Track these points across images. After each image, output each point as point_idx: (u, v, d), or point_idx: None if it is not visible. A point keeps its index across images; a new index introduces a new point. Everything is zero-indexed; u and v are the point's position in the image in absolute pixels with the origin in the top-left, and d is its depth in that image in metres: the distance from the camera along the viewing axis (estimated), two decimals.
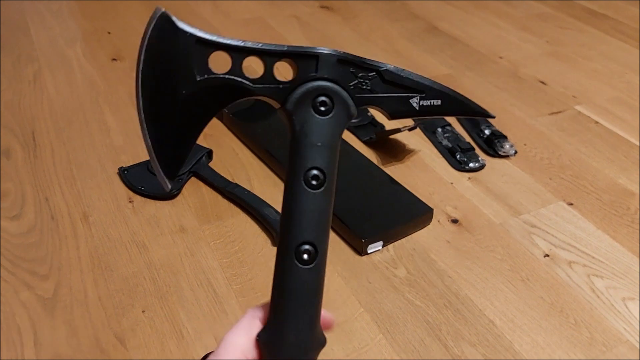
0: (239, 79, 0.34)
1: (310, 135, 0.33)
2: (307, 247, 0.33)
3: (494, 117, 0.38)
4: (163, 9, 0.34)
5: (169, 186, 0.33)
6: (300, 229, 0.32)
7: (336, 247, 0.82)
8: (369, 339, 0.69)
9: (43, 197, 0.87)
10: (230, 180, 0.92)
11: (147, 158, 0.94)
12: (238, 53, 0.34)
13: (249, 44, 0.35)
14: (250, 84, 0.34)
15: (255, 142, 0.99)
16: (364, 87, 0.35)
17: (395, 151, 1.03)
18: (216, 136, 1.03)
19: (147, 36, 0.33)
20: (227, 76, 0.33)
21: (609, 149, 1.06)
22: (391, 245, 0.83)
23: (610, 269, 0.80)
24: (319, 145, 0.33)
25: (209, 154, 0.97)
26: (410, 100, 0.36)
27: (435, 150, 1.03)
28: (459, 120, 1.12)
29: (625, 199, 0.94)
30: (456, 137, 1.06)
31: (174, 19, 0.33)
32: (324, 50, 0.34)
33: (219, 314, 0.71)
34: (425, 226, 0.87)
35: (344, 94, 0.34)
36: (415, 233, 0.85)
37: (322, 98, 0.34)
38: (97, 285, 0.74)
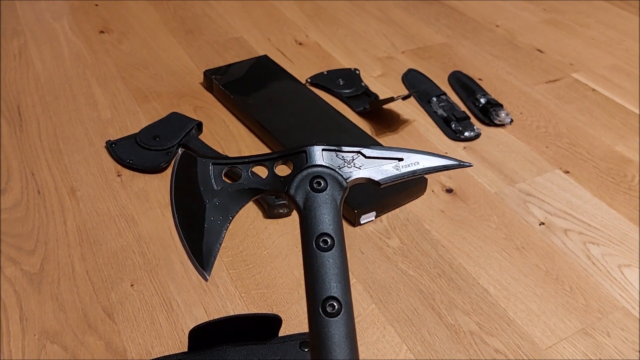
0: (247, 183, 0.42)
1: (313, 208, 0.40)
2: (331, 302, 0.37)
3: (471, 166, 0.45)
4: (183, 150, 0.46)
5: (207, 277, 0.40)
6: (322, 287, 0.38)
7: None
8: (361, 309, 0.68)
9: (29, 172, 0.86)
10: (221, 152, 0.90)
11: (135, 131, 0.92)
12: (245, 165, 0.43)
13: (251, 157, 0.43)
14: (259, 185, 0.42)
15: (246, 113, 0.97)
16: (350, 165, 0.42)
17: (389, 121, 1.01)
18: (206, 108, 1.01)
19: (175, 170, 0.43)
20: (239, 183, 0.42)
21: (606, 116, 1.04)
22: (384, 215, 0.81)
23: (606, 236, 0.79)
24: (322, 215, 0.40)
25: (199, 126, 0.95)
26: (393, 167, 0.43)
27: (430, 120, 1.02)
28: (454, 89, 1.10)
29: (622, 166, 0.92)
30: (451, 106, 1.04)
31: (192, 154, 0.44)
32: (311, 146, 0.42)
33: (209, 287, 0.70)
34: (419, 196, 0.85)
35: (333, 172, 0.41)
36: (409, 203, 0.84)
37: (317, 179, 0.41)
38: (85, 260, 0.73)
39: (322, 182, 0.41)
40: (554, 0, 1.48)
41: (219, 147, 0.92)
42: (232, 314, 0.67)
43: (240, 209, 0.43)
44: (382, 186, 0.43)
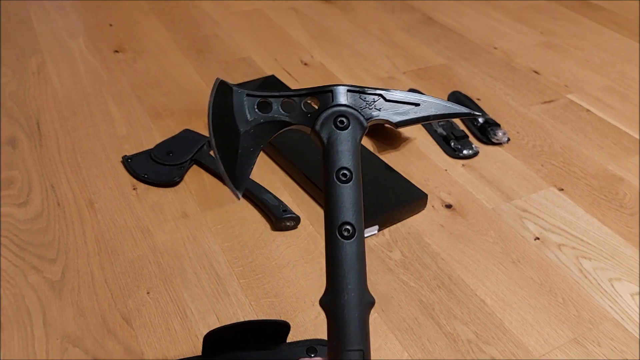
0: (278, 116, 0.45)
1: (336, 145, 0.43)
2: (347, 226, 0.41)
3: (480, 115, 0.47)
4: (220, 79, 0.46)
5: (239, 196, 0.44)
6: (339, 213, 0.42)
7: None
8: None
9: (49, 185, 0.90)
10: None
11: (149, 147, 0.97)
12: (275, 99, 0.45)
13: (282, 92, 0.46)
14: (288, 118, 0.45)
15: None
16: (372, 107, 0.45)
17: (391, 139, 1.06)
18: None
19: (213, 96, 0.45)
20: (270, 115, 0.45)
21: (599, 136, 1.09)
22: (387, 229, 0.86)
23: (598, 251, 0.83)
24: (342, 150, 0.43)
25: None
26: (410, 112, 0.46)
27: (430, 138, 1.06)
28: None
29: (614, 184, 0.97)
30: (450, 125, 1.08)
31: (229, 83, 0.46)
32: (338, 85, 0.45)
33: (221, 295, 0.74)
34: (420, 211, 0.89)
35: (356, 113, 0.44)
36: (410, 218, 0.88)
37: (340, 118, 0.44)
38: (104, 269, 0.77)
39: (345, 121, 0.44)
40: (549, 23, 1.54)
41: None
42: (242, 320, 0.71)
43: (270, 138, 0.46)
44: (398, 127, 0.47)
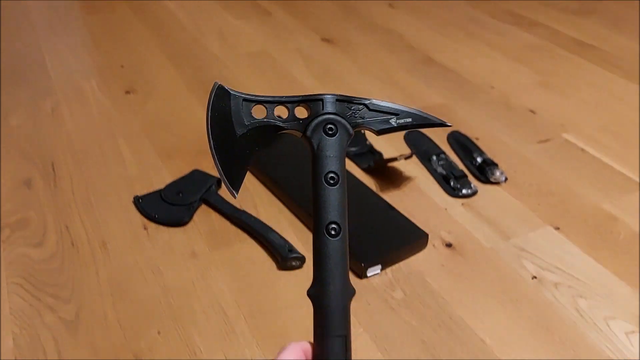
0: (273, 121, 0.48)
1: (325, 150, 0.47)
2: (333, 225, 0.45)
3: (450, 126, 0.52)
4: (219, 82, 0.48)
5: (236, 195, 0.47)
6: (327, 214, 0.46)
7: None
8: (368, 357, 0.75)
9: (63, 225, 0.94)
10: (238, 207, 0.99)
11: (159, 186, 1.00)
12: (270, 104, 0.48)
13: (277, 98, 0.49)
14: (281, 123, 0.48)
15: (260, 169, 1.06)
16: (357, 115, 0.49)
17: (392, 178, 1.09)
18: None
19: (211, 100, 0.48)
20: (265, 119, 0.48)
21: (594, 175, 1.12)
22: (389, 268, 0.89)
23: (593, 290, 0.86)
24: (331, 156, 0.47)
25: (218, 182, 1.03)
26: (390, 121, 0.50)
27: (431, 177, 1.10)
28: (452, 148, 1.19)
29: (608, 223, 1.00)
30: (450, 164, 1.12)
31: (227, 87, 0.48)
32: (327, 94, 0.48)
33: (229, 334, 0.77)
34: (421, 250, 0.92)
35: (343, 121, 0.48)
36: (412, 257, 0.91)
37: (329, 125, 0.47)
38: (116, 308, 0.80)
39: (333, 128, 0.47)
40: (546, 63, 1.59)
41: (236, 201, 1.00)
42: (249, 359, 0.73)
43: (265, 141, 0.49)
44: (379, 135, 0.51)
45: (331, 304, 0.44)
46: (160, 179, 1.05)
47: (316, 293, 0.45)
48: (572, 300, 0.84)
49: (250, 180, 1.07)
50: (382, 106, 0.50)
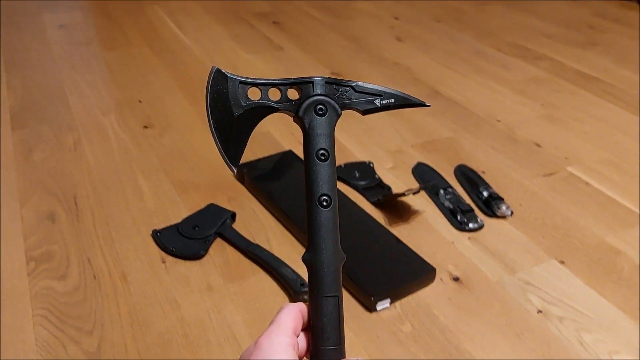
0: (267, 102, 0.52)
1: (315, 129, 0.51)
2: (324, 197, 0.49)
3: (429, 106, 0.56)
4: (217, 66, 0.52)
5: (235, 171, 0.51)
6: (318, 187, 0.50)
7: (348, 304, 0.91)
8: None
9: (86, 258, 0.98)
10: (252, 240, 1.02)
11: (176, 220, 1.05)
12: (264, 87, 0.52)
13: (270, 80, 0.53)
14: (274, 104, 0.52)
15: (273, 204, 1.10)
16: (344, 96, 0.52)
17: (401, 212, 1.13)
18: (239, 199, 1.14)
19: (210, 83, 0.51)
20: (259, 101, 0.52)
21: (597, 208, 1.15)
22: (398, 302, 0.92)
23: (597, 324, 0.88)
24: (321, 134, 0.51)
25: (233, 216, 1.07)
26: (374, 101, 0.54)
27: (438, 211, 1.13)
28: (459, 182, 1.23)
29: (612, 256, 1.02)
30: (457, 198, 1.16)
31: (224, 71, 0.52)
32: (317, 77, 0.52)
33: None
34: (428, 284, 0.95)
35: (332, 102, 0.52)
36: (420, 290, 0.94)
37: (320, 106, 0.51)
38: (136, 340, 0.83)
39: (323, 109, 0.51)
40: (550, 96, 1.63)
41: (249, 235, 1.04)
42: None
43: (260, 121, 0.53)
44: (364, 114, 0.55)
45: (324, 267, 0.48)
46: (177, 213, 1.09)
47: (310, 258, 0.49)
48: (577, 334, 0.87)
49: (263, 214, 1.11)
50: (367, 88, 0.54)
